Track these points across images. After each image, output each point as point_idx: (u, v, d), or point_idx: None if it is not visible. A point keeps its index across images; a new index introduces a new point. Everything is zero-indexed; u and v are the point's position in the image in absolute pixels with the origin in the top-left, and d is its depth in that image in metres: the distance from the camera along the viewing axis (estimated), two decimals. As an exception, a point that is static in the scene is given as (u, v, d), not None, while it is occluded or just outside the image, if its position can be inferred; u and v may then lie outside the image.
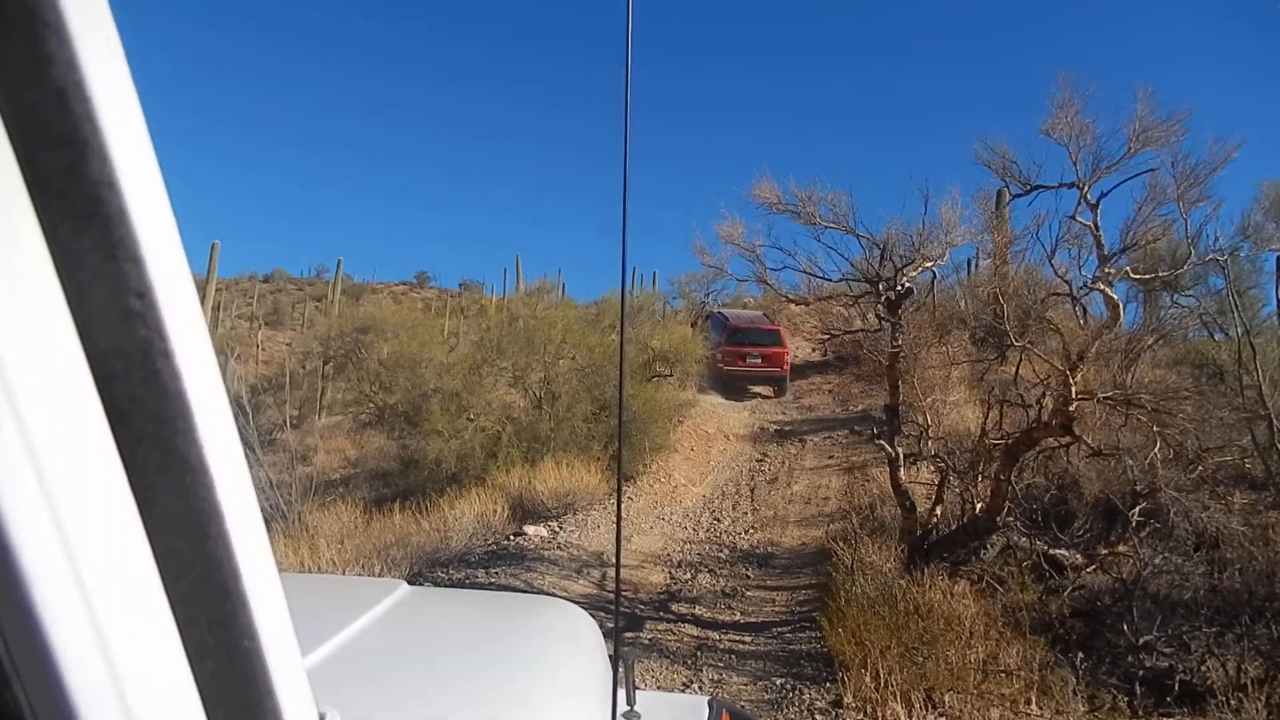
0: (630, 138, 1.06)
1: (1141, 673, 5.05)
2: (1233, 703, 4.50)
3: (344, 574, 7.04)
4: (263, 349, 28.12)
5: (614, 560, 8.05)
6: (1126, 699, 4.84)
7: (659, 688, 5.25)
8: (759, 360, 16.00)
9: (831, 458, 12.03)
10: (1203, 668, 5.12)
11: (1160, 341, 8.78)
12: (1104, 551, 6.37)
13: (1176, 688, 4.87)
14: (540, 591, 6.74)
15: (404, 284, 49.75)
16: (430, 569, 7.80)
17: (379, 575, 7.17)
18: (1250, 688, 4.60)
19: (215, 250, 18.82)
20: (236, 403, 11.82)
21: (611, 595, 7.18)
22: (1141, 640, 5.28)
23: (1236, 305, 6.17)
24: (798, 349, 18.33)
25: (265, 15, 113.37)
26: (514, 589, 6.94)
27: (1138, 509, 6.16)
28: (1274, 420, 5.24)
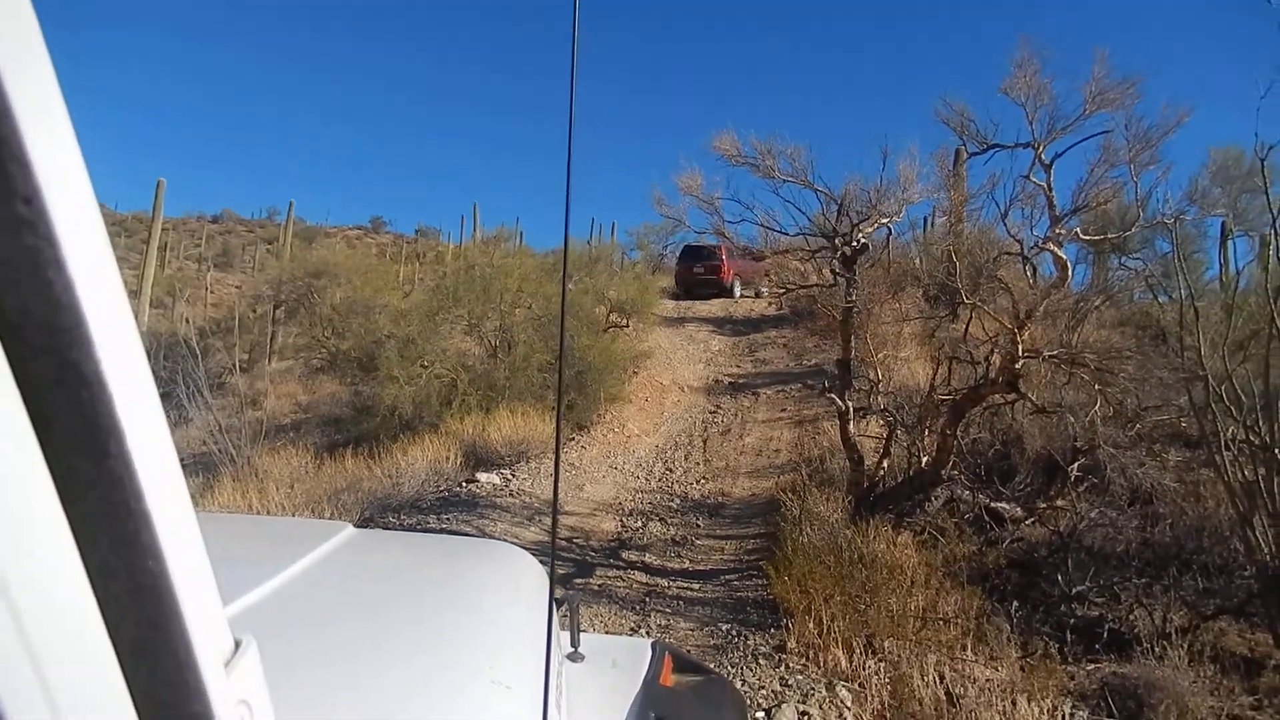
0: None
1: (1073, 621, 5.24)
2: (1157, 650, 4.69)
3: (292, 517, 7.00)
4: (212, 291, 27.54)
5: (565, 507, 8.10)
6: (1058, 646, 5.02)
7: (607, 632, 5.33)
8: (702, 270, 22.25)
9: (784, 411, 12.16)
10: (1130, 617, 5.32)
11: (1107, 302, 8.95)
12: (1042, 505, 6.55)
13: (1105, 636, 5.07)
14: (489, 537, 6.76)
15: (358, 229, 48.94)
16: (381, 514, 7.78)
17: (328, 519, 7.14)
18: (1174, 636, 4.79)
19: (161, 188, 18.23)
20: (185, 344, 11.59)
21: (562, 540, 7.23)
22: (1074, 590, 5.47)
23: (1182, 269, 6.28)
24: (752, 306, 20.91)
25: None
26: (464, 534, 6.95)
27: (1077, 464, 6.34)
28: (1210, 381, 5.41)
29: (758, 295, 21.90)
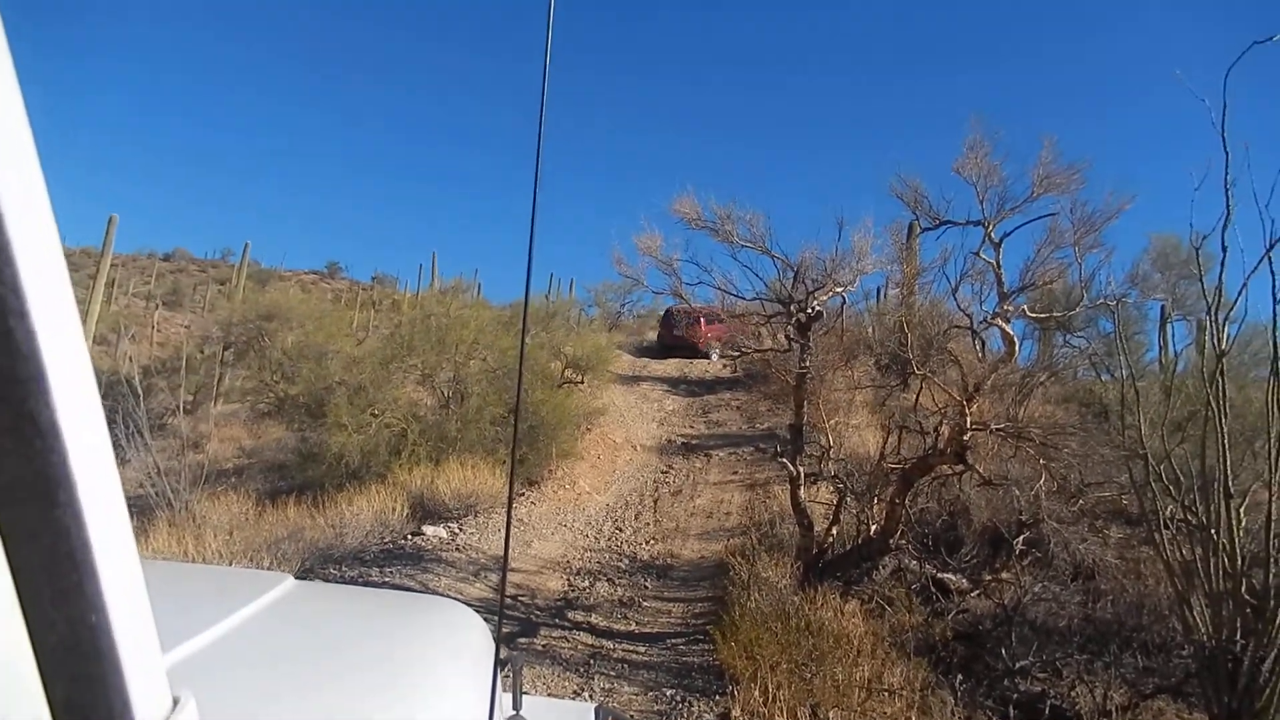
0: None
1: (1015, 696, 5.25)
2: (1097, 728, 4.71)
3: (230, 566, 6.80)
4: (159, 330, 26.96)
5: (512, 563, 7.97)
6: (1000, 721, 5.02)
7: (549, 694, 5.22)
8: (680, 335, 22.89)
9: (735, 473, 12.17)
10: (1072, 693, 5.35)
11: (1052, 378, 9.17)
12: (988, 578, 6.61)
13: (1047, 712, 5.08)
14: (432, 592, 6.61)
15: (314, 273, 48.50)
16: (323, 565, 7.58)
17: (268, 569, 6.93)
18: (1114, 715, 4.82)
19: (113, 224, 17.90)
20: (127, 383, 11.30)
21: (507, 598, 7.10)
22: (1018, 665, 5.49)
23: (1123, 349, 6.47)
24: (707, 367, 21.90)
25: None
26: (407, 589, 6.79)
27: (1022, 538, 6.42)
28: (1150, 459, 5.54)
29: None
